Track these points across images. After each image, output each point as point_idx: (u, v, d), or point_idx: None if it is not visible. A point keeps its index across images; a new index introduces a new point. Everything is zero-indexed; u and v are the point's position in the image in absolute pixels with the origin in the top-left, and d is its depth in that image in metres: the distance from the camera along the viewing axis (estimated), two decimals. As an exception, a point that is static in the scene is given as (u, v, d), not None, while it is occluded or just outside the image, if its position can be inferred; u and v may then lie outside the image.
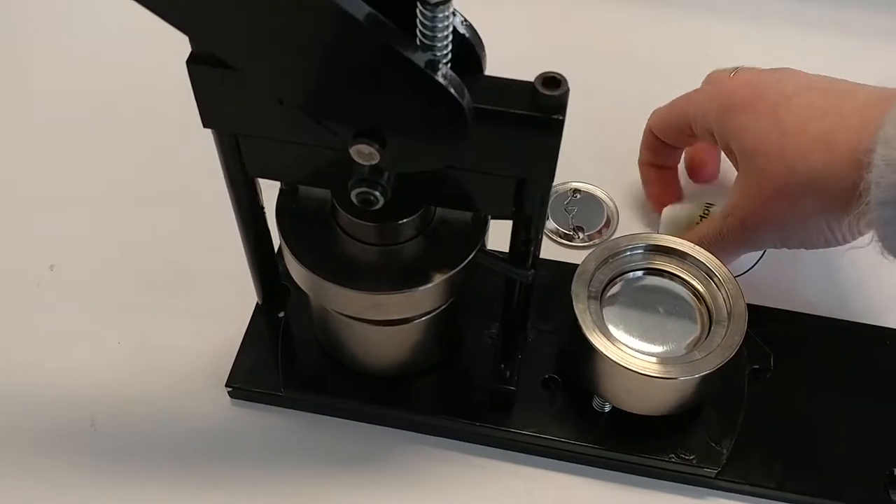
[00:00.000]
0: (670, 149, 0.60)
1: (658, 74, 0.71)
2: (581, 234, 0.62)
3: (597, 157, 0.65)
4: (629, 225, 0.62)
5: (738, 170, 0.52)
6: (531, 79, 0.37)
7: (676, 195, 0.62)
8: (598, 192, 0.63)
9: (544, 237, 0.61)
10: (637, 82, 0.71)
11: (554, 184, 0.62)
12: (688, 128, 0.55)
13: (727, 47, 0.73)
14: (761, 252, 0.58)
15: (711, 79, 0.57)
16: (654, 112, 0.60)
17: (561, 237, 0.61)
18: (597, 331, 0.46)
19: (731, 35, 0.75)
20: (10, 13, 0.77)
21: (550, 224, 0.62)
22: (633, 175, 0.64)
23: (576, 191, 0.64)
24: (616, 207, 0.63)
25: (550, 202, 0.62)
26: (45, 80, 0.72)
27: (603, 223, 0.62)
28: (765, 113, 0.49)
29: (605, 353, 0.46)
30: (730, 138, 0.52)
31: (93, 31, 0.74)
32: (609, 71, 0.71)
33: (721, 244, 0.52)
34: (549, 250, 0.61)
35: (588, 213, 0.63)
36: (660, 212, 0.60)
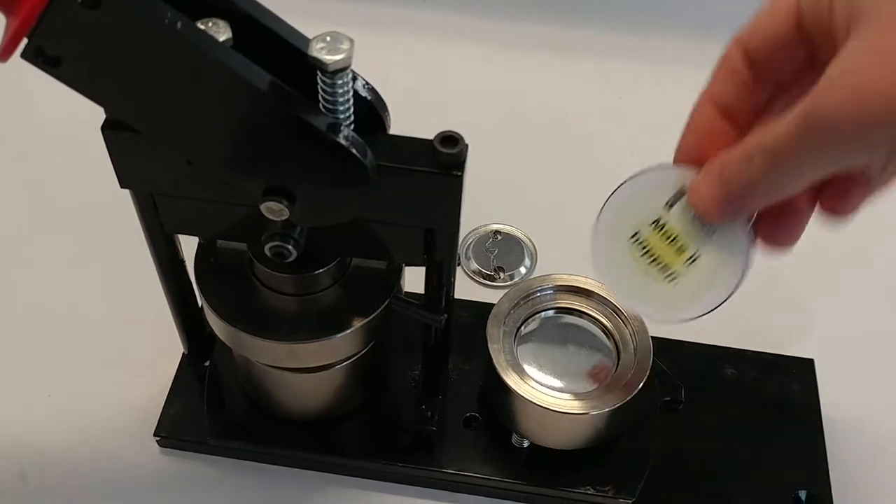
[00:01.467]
0: (757, 88, 0.38)
1: (573, 120, 0.74)
2: (502, 274, 0.64)
3: (516, 200, 0.68)
4: (549, 264, 0.64)
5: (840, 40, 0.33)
6: (458, 131, 0.39)
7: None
8: (518, 233, 0.66)
9: (467, 278, 0.64)
10: (553, 127, 0.73)
11: (475, 226, 0.66)
12: (805, 30, 0.35)
13: (640, 90, 0.77)
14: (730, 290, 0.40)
15: None
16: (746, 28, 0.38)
17: (483, 277, 0.64)
18: (511, 370, 0.48)
19: (644, 78, 0.78)
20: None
21: (472, 265, 0.64)
22: (552, 215, 0.66)
23: (497, 232, 0.66)
24: (535, 247, 0.65)
25: (473, 244, 0.65)
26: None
27: (523, 263, 0.64)
28: None
29: (518, 391, 0.48)
30: None
31: (11, 91, 0.74)
32: (526, 118, 0.74)
33: (786, 155, 0.33)
34: (472, 291, 0.63)
35: (509, 254, 0.65)
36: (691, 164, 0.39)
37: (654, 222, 0.39)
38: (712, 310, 0.39)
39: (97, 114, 0.39)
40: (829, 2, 0.34)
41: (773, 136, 0.33)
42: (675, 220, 0.39)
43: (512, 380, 0.48)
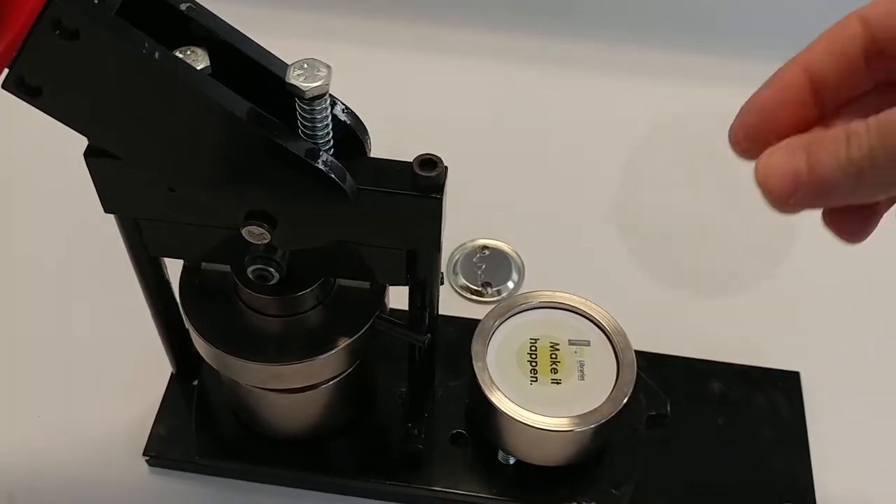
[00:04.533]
0: (863, 73, 0.32)
1: (561, 135, 0.75)
2: (490, 290, 0.64)
3: (504, 214, 0.68)
4: (537, 278, 0.65)
5: None
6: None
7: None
8: (506, 248, 0.66)
9: (454, 293, 0.64)
10: (541, 142, 0.74)
11: (463, 241, 0.66)
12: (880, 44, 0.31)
13: (629, 105, 0.77)
14: None
15: None
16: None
17: (471, 293, 0.64)
18: (495, 388, 0.49)
19: (633, 93, 0.79)
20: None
21: (460, 280, 0.64)
22: (540, 229, 0.67)
23: (484, 247, 0.66)
24: (523, 263, 0.65)
25: (460, 259, 0.65)
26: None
27: (511, 278, 0.65)
28: None
29: (502, 409, 0.48)
30: None
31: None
32: (513, 133, 0.74)
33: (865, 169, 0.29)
34: (459, 306, 0.63)
35: (496, 269, 0.65)
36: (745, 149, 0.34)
37: (552, 344, 0.51)
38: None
39: (81, 139, 0.39)
40: None
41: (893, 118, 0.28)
42: (567, 355, 0.50)
43: (496, 397, 0.48)
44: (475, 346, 0.50)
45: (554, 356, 0.50)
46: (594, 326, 0.51)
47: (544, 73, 0.79)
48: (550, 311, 0.52)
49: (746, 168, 0.33)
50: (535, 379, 0.49)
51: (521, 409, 0.48)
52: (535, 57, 0.81)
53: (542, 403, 0.48)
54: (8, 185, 0.70)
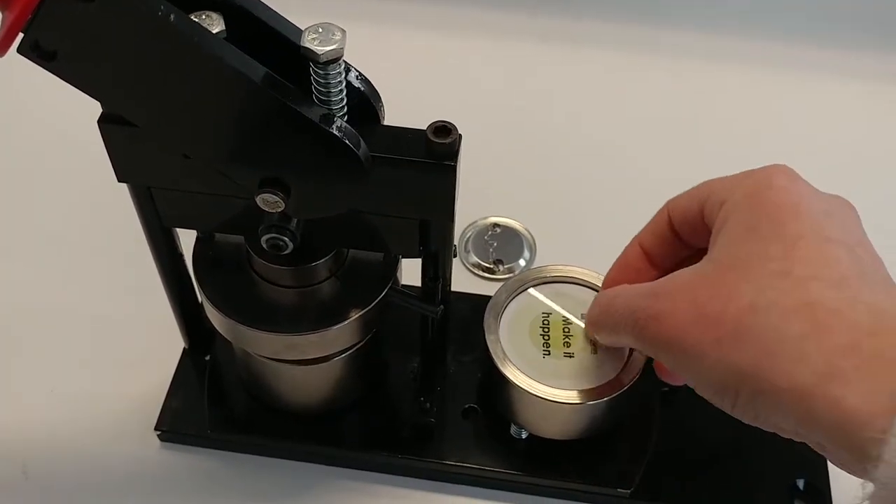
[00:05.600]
0: (677, 245, 0.44)
1: (573, 112, 0.74)
2: (501, 267, 0.64)
3: (515, 191, 0.68)
4: (547, 256, 0.64)
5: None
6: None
7: None
8: (517, 225, 0.66)
9: (466, 271, 0.64)
10: (553, 119, 0.74)
11: (474, 218, 0.66)
12: (706, 210, 0.41)
13: (640, 83, 0.77)
14: None
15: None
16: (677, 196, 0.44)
17: (482, 270, 0.64)
18: (508, 361, 0.49)
19: (644, 70, 0.79)
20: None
21: (471, 257, 0.64)
22: (551, 207, 0.67)
23: (495, 224, 0.66)
24: (534, 240, 0.65)
25: (472, 236, 0.65)
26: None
27: (522, 256, 0.64)
28: (794, 229, 0.36)
29: (515, 382, 0.48)
30: (736, 215, 0.38)
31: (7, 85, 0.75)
32: (525, 110, 0.74)
33: (615, 327, 0.42)
34: (471, 283, 0.63)
35: (508, 246, 0.65)
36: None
37: (564, 318, 0.50)
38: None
39: (95, 107, 0.39)
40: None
41: (624, 305, 0.41)
42: (579, 328, 0.50)
43: (509, 370, 0.48)
44: (488, 320, 0.50)
45: (567, 329, 0.50)
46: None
47: (558, 52, 0.79)
48: (563, 285, 0.52)
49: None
50: (547, 352, 0.49)
51: (533, 381, 0.48)
52: (549, 34, 0.80)
53: (555, 376, 0.48)
54: (22, 156, 0.71)
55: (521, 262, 0.64)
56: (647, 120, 0.74)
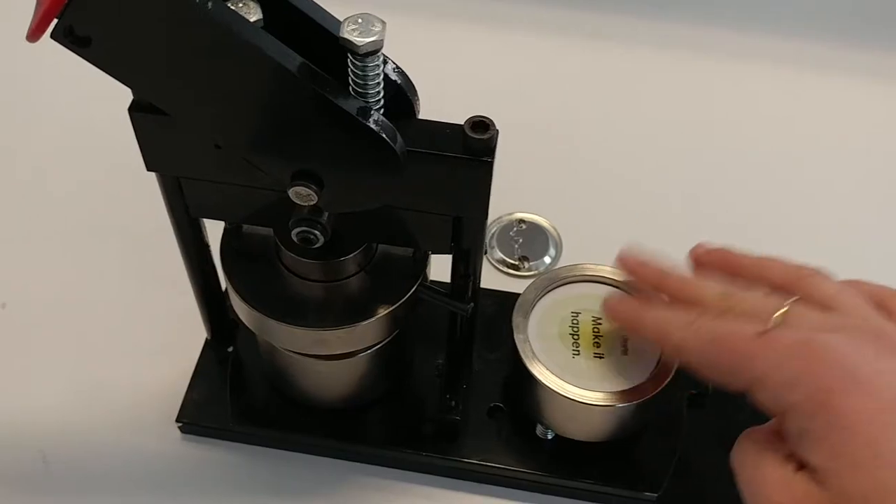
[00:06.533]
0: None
1: (599, 107, 0.73)
2: (527, 264, 0.63)
3: (541, 188, 0.67)
4: (573, 253, 0.64)
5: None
6: (485, 117, 0.38)
7: None
8: (543, 222, 0.65)
9: (491, 267, 0.63)
10: (579, 115, 0.73)
11: (500, 214, 0.65)
12: (743, 381, 0.42)
13: (666, 79, 0.76)
14: None
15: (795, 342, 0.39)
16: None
17: (507, 267, 0.63)
18: (536, 360, 0.48)
19: (669, 66, 0.78)
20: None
21: (497, 254, 0.63)
22: (577, 203, 0.66)
23: (521, 221, 0.65)
24: (560, 237, 0.64)
25: (497, 233, 0.64)
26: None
27: (548, 253, 0.64)
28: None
29: (544, 382, 0.47)
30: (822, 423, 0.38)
31: (37, 74, 0.74)
32: (551, 105, 0.73)
33: None
34: (496, 280, 0.62)
35: (533, 243, 0.64)
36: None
37: (594, 318, 0.50)
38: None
39: (122, 97, 0.38)
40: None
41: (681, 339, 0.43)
42: (610, 329, 0.49)
43: (537, 370, 0.47)
44: (516, 318, 0.49)
45: (596, 330, 0.49)
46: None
47: (589, 46, 0.78)
48: (593, 284, 0.51)
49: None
50: (577, 352, 0.48)
51: (562, 381, 0.47)
52: (579, 30, 0.79)
53: (584, 377, 0.47)
54: (47, 144, 0.70)
55: (547, 259, 0.63)
56: (677, 118, 0.73)
